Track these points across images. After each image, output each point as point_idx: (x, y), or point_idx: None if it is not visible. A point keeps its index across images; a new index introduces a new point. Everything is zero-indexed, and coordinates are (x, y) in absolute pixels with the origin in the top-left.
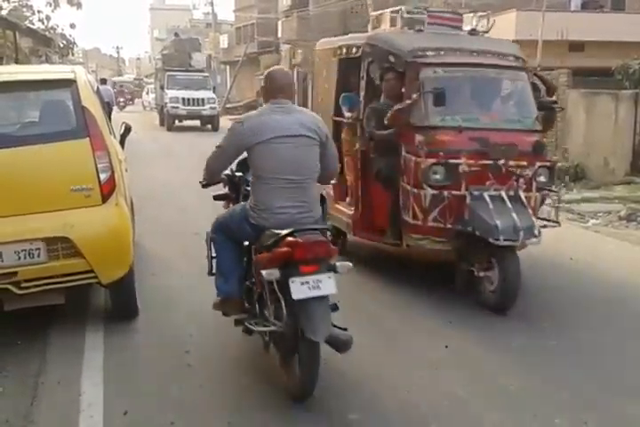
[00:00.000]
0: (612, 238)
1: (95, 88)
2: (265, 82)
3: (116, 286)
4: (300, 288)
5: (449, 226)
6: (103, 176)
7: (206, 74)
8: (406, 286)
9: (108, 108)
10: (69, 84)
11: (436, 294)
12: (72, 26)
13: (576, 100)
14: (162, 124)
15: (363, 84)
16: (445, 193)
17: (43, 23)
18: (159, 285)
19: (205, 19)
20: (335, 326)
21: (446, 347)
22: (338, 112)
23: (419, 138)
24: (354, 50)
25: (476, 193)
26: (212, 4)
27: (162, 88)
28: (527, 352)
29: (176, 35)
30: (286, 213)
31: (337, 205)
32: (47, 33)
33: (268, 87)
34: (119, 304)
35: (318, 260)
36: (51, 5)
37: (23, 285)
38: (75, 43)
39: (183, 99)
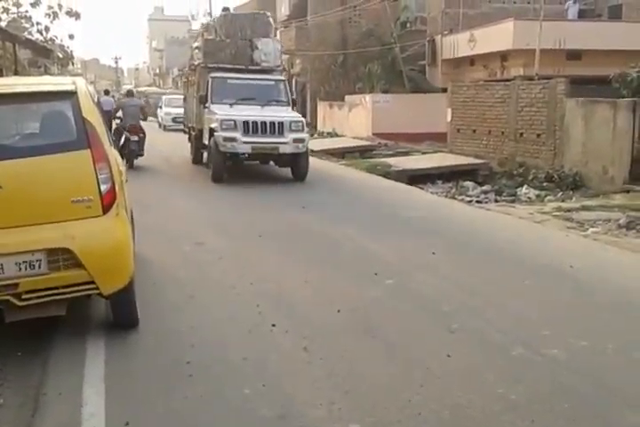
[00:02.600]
0: (612, 246)
1: (96, 99)
2: (125, 93)
3: (116, 297)
4: (131, 137)
5: None
6: (104, 187)
7: (282, 77)
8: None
9: (108, 118)
10: (70, 95)
11: (431, 299)
12: (71, 37)
13: (574, 109)
14: (195, 161)
15: None
16: None
17: (41, 34)
18: (160, 295)
19: None
20: (141, 150)
21: (448, 356)
22: None
23: None
24: None
25: None
26: (210, 14)
27: (203, 102)
28: (527, 361)
29: (225, 9)
30: (130, 123)
31: None
32: (46, 44)
33: (126, 94)
34: (120, 315)
35: (137, 132)
36: (50, 16)
37: (24, 296)
38: (72, 54)
39: (245, 123)
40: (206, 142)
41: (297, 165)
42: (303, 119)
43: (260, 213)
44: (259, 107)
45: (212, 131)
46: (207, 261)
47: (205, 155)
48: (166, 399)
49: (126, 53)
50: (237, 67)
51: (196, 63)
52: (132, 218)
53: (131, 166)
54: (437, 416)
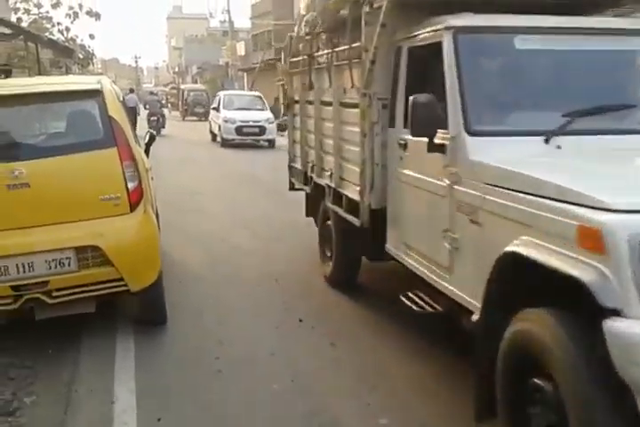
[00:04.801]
0: None
1: (121, 98)
2: (149, 92)
3: (145, 294)
4: (151, 118)
5: None
6: (131, 185)
7: None
8: None
9: (133, 114)
10: (96, 94)
11: None
12: (91, 36)
13: None
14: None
15: None
16: None
17: (62, 34)
18: (186, 292)
19: (222, 27)
20: (163, 124)
21: None
22: None
23: None
24: None
25: None
26: (228, 12)
27: (418, 125)
28: None
29: None
30: (152, 111)
31: None
32: (67, 44)
33: (150, 93)
34: (148, 312)
35: (156, 114)
36: (70, 17)
37: (54, 294)
38: (94, 53)
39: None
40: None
41: None
42: None
43: None
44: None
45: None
46: None
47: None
48: (196, 395)
49: (146, 52)
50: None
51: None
52: (157, 214)
53: (158, 133)
54: (467, 410)
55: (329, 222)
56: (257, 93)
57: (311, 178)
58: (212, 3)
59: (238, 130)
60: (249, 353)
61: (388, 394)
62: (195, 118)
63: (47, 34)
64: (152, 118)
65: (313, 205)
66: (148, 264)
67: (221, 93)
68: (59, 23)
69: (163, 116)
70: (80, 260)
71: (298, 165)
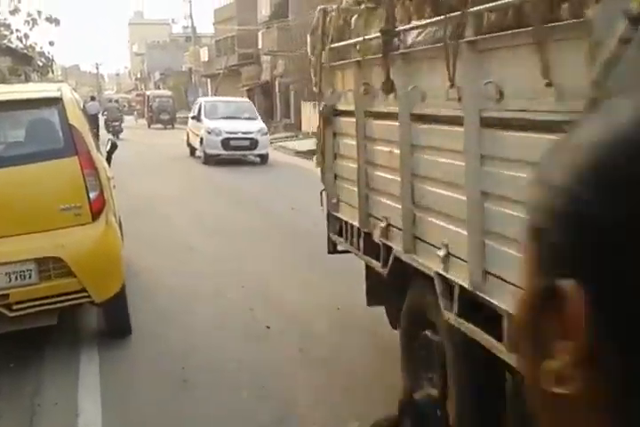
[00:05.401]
0: None
1: (81, 105)
2: (108, 99)
3: (108, 305)
4: (113, 123)
5: None
6: (93, 194)
7: None
8: None
9: (95, 122)
10: (56, 102)
11: None
12: (51, 43)
13: None
14: None
15: None
16: None
17: (21, 42)
18: (151, 302)
19: (185, 32)
20: (120, 129)
21: None
22: None
23: None
24: None
25: None
26: (191, 17)
27: None
28: None
29: None
30: (111, 116)
31: None
32: (27, 51)
33: (109, 100)
34: (112, 322)
35: (116, 120)
36: (29, 24)
37: (15, 307)
38: (54, 61)
39: None
40: None
41: None
42: None
43: None
44: None
45: None
46: None
47: None
48: (162, 406)
49: (107, 59)
50: None
51: None
52: (120, 224)
53: (117, 138)
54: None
55: (430, 335)
56: (245, 100)
57: (386, 248)
58: (174, 8)
59: (225, 143)
60: (215, 362)
61: (359, 396)
62: (160, 126)
63: (5, 41)
64: (114, 124)
65: (386, 290)
66: (112, 274)
67: (202, 100)
68: (17, 30)
69: (122, 121)
70: (41, 271)
71: (349, 219)
